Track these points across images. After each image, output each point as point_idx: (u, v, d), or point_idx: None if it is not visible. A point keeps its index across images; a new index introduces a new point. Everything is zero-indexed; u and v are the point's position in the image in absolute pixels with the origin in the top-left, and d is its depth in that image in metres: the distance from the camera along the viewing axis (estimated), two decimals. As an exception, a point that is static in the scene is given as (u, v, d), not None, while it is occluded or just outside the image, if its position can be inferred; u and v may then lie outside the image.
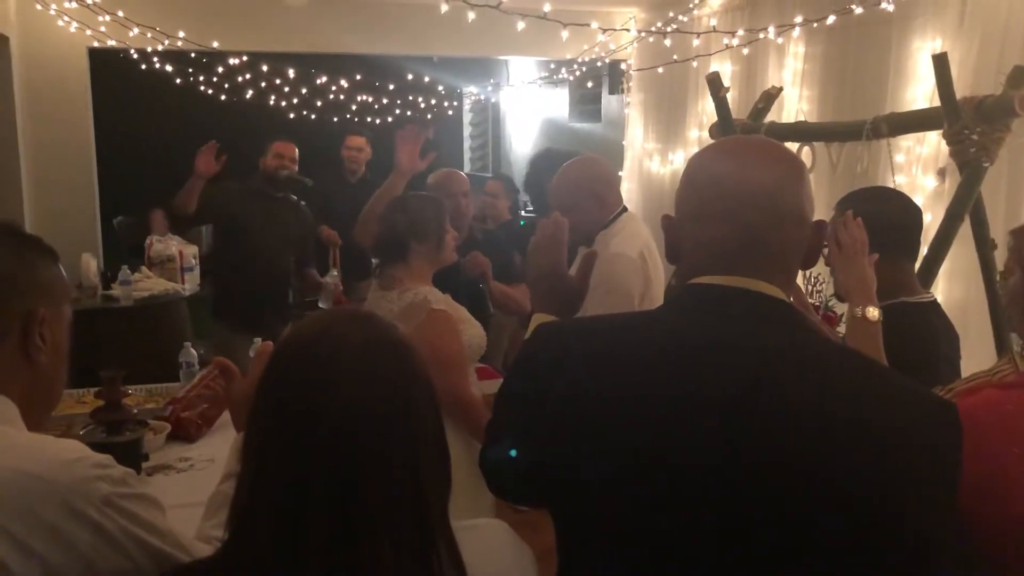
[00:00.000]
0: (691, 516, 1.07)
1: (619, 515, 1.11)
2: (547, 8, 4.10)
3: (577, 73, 6.81)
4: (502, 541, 1.15)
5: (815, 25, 4.10)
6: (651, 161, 6.49)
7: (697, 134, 5.86)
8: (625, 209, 2.90)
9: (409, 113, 8.11)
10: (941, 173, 3.73)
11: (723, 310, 1.16)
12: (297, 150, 4.63)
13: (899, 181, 3.72)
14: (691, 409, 1.09)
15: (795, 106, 4.77)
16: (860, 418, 1.07)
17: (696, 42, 4.91)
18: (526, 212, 7.34)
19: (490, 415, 1.33)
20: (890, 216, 2.27)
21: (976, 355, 2.92)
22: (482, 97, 10.49)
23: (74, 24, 5.25)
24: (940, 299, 2.57)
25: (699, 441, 1.07)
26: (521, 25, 4.14)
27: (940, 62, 2.79)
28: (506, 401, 1.29)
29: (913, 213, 2.37)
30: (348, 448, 1.01)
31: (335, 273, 4.94)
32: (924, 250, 2.85)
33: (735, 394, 1.08)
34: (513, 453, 1.22)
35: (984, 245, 2.99)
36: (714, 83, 3.87)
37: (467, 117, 11.67)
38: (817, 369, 1.12)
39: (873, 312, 1.92)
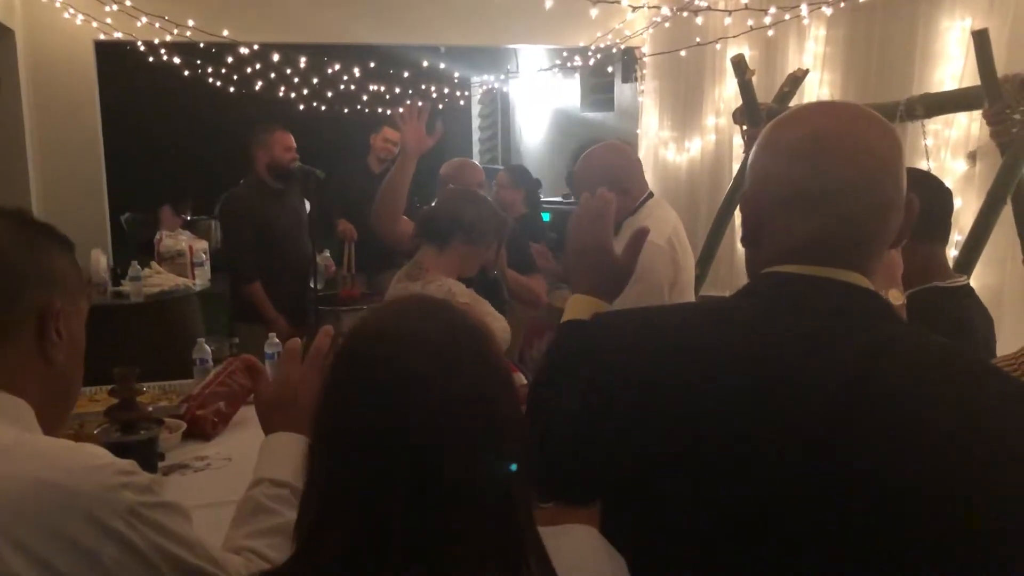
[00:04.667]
0: (777, 516, 0.99)
1: (698, 512, 1.03)
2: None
3: (591, 61, 6.70)
4: (594, 547, 1.06)
5: (843, 4, 3.98)
6: (667, 150, 6.39)
7: (714, 121, 5.76)
8: (651, 195, 2.81)
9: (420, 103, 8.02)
10: (972, 156, 3.64)
11: (812, 301, 1.07)
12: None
13: (928, 165, 3.62)
14: (785, 404, 1.00)
15: (817, 90, 4.66)
16: (972, 421, 0.97)
17: (728, 20, 4.79)
18: (562, 199, 7.26)
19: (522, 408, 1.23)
20: (920, 200, 2.17)
21: (1011, 340, 2.83)
22: (494, 87, 10.38)
23: (80, 16, 5.17)
24: (973, 284, 2.49)
25: (794, 437, 0.98)
26: (549, 3, 4.03)
27: (981, 38, 2.69)
28: (554, 392, 1.19)
29: (943, 196, 2.29)
30: (428, 452, 0.90)
31: (327, 254, 4.91)
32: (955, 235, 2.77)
33: (833, 391, 0.98)
34: (567, 444, 1.13)
35: (1026, 227, 2.89)
36: (739, 65, 3.78)
37: (476, 108, 11.56)
38: (919, 366, 1.02)
39: (897, 295, 1.83)
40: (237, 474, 1.53)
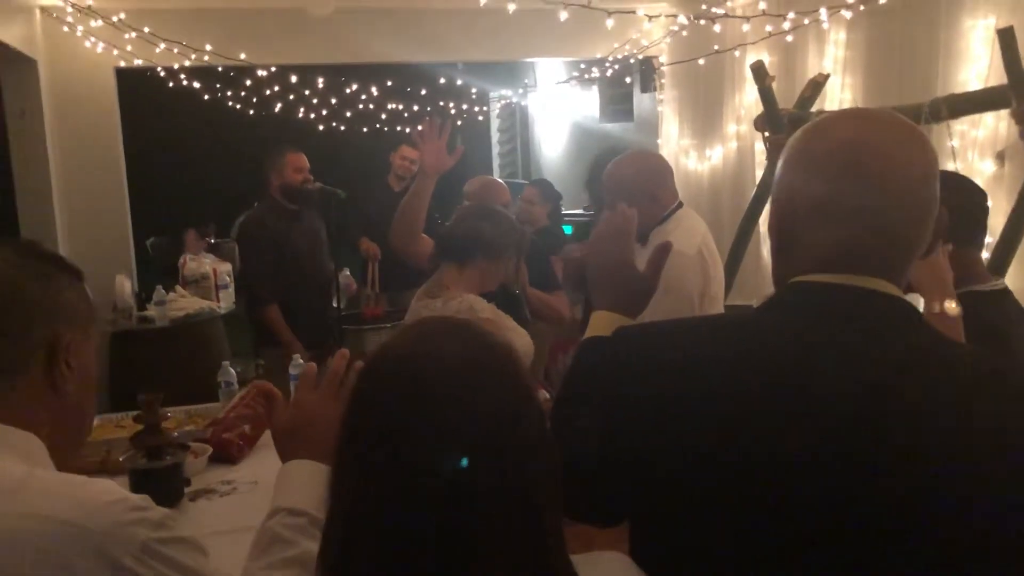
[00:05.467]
0: (802, 530, 0.96)
1: (721, 525, 1.00)
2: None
3: (609, 72, 6.68)
4: (627, 574, 1.03)
5: (862, 8, 3.93)
6: (687, 158, 6.35)
7: (735, 128, 5.71)
8: (681, 204, 2.77)
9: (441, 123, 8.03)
10: (1000, 157, 3.57)
11: (840, 310, 1.04)
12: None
13: (956, 166, 3.56)
14: (814, 413, 0.97)
15: (838, 95, 4.61)
16: (1007, 432, 0.95)
17: (746, 27, 4.75)
18: (583, 211, 7.22)
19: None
20: (954, 202, 2.12)
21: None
22: (512, 101, 10.39)
23: (101, 45, 5.22)
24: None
25: (820, 451, 0.96)
26: (564, 15, 4.00)
27: (1006, 36, 2.65)
28: (577, 407, 1.17)
29: (978, 198, 2.23)
30: (454, 474, 0.88)
31: (347, 273, 4.90)
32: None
33: (862, 401, 0.96)
34: (589, 463, 1.10)
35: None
36: (759, 72, 3.74)
37: (495, 123, 11.57)
38: (950, 377, 1.00)
39: (953, 307, 1.77)
40: (263, 498, 1.51)
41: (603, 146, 7.73)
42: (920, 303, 1.78)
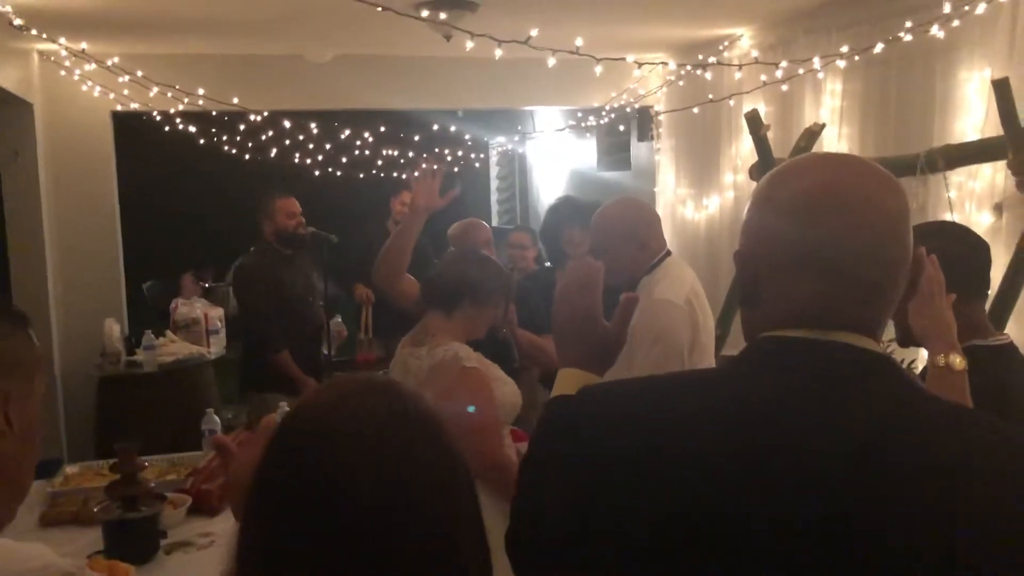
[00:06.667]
0: None
1: None
2: (579, 42, 3.88)
3: (605, 120, 6.69)
4: None
5: (856, 58, 3.93)
6: (684, 207, 6.34)
7: (732, 178, 5.70)
8: (669, 253, 2.74)
9: (436, 167, 8.03)
10: (998, 208, 3.54)
11: (816, 367, 0.99)
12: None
13: (953, 218, 3.53)
14: (791, 475, 0.92)
15: (834, 145, 4.59)
16: (993, 490, 0.90)
17: (738, 74, 4.75)
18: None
19: None
20: (958, 253, 2.08)
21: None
22: (508, 148, 10.42)
23: (97, 88, 5.22)
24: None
25: (803, 509, 0.90)
26: (552, 61, 3.97)
27: (1002, 87, 2.63)
28: (543, 470, 1.10)
29: (982, 249, 2.18)
30: (373, 544, 0.83)
31: (339, 320, 4.87)
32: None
33: (843, 462, 0.91)
34: (556, 529, 1.03)
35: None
36: (753, 121, 3.73)
37: (494, 170, 11.59)
38: (935, 435, 0.95)
39: (958, 361, 1.71)
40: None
41: (601, 194, 7.71)
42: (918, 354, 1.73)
